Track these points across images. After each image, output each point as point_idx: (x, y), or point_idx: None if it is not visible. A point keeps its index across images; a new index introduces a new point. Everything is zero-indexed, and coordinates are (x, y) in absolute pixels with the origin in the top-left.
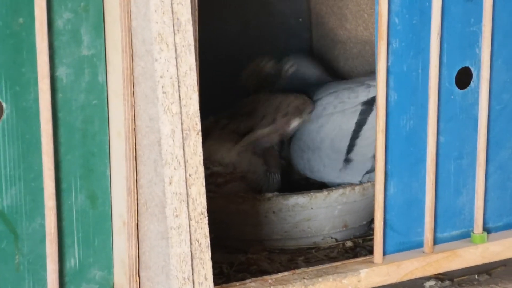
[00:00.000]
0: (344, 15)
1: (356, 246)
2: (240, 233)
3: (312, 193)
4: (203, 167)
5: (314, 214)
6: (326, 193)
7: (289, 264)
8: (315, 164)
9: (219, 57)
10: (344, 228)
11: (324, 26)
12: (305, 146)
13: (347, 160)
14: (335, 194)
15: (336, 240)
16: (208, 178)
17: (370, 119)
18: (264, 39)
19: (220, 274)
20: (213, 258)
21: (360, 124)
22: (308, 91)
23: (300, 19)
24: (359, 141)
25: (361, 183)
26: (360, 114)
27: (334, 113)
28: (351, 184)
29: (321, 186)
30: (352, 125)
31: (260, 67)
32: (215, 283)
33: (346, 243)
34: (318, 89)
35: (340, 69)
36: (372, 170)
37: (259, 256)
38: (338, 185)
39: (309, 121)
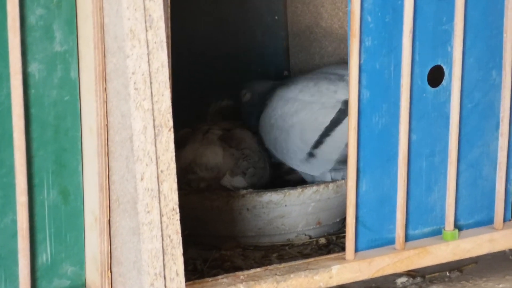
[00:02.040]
0: (319, 13)
1: (329, 243)
2: (214, 229)
3: (286, 190)
4: (175, 163)
5: (288, 211)
6: (300, 190)
7: (262, 260)
8: (280, 145)
9: (195, 53)
10: (318, 225)
11: (300, 24)
12: (275, 123)
13: (310, 154)
14: (309, 191)
15: (310, 237)
16: (193, 182)
17: (345, 120)
18: (240, 37)
19: (193, 270)
20: (187, 255)
21: (334, 123)
22: (270, 95)
23: (276, 17)
24: (328, 140)
25: (334, 180)
26: (338, 112)
27: (312, 103)
28: (324, 182)
29: (296, 183)
30: (326, 121)
31: (220, 105)
32: (189, 279)
33: (320, 240)
34: (288, 79)
35: (315, 66)
36: (332, 170)
37: (233, 253)
38: (311, 182)
39: (284, 100)
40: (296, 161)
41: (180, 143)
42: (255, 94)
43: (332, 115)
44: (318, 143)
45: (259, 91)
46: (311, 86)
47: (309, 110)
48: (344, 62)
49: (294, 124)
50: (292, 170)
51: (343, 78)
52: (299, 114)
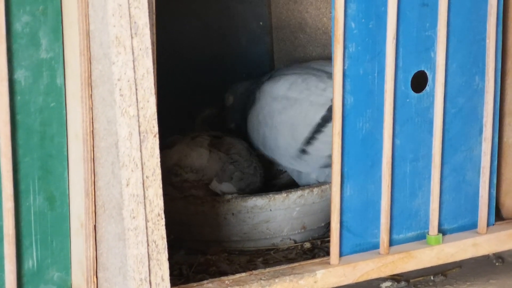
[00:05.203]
0: (304, 19)
1: (314, 247)
2: (200, 234)
3: (270, 195)
4: (160, 169)
5: (273, 216)
6: (285, 195)
7: (248, 265)
8: (269, 142)
9: (180, 59)
10: (303, 230)
11: (285, 30)
12: (263, 120)
13: (303, 151)
14: (294, 196)
15: (295, 242)
16: (178, 184)
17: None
18: (225, 43)
19: (179, 275)
20: (172, 260)
21: (325, 120)
22: (254, 87)
23: (261, 23)
24: (320, 137)
25: (319, 184)
26: (328, 110)
27: (301, 100)
28: (309, 186)
29: (281, 188)
30: (317, 118)
31: (204, 115)
32: (174, 284)
33: (305, 245)
34: (274, 71)
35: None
36: (326, 166)
37: (219, 257)
38: (297, 187)
39: (272, 97)
40: (287, 158)
41: (169, 144)
42: (237, 96)
43: (322, 112)
44: (311, 139)
45: (241, 92)
46: (299, 83)
47: (298, 107)
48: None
49: (283, 121)
50: (277, 175)
51: (331, 76)
52: (288, 111)
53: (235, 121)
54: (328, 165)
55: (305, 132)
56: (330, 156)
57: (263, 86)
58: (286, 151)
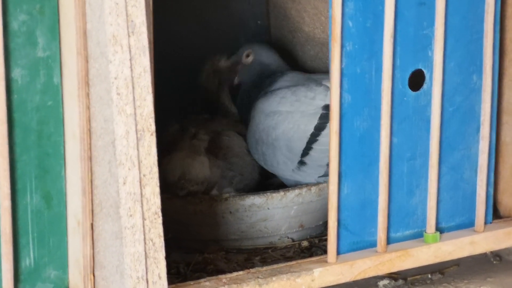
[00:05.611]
0: (302, 18)
1: (312, 246)
2: (198, 233)
3: (268, 193)
4: (157, 167)
5: (271, 214)
6: (283, 193)
7: (245, 263)
8: (269, 159)
9: (178, 57)
10: (301, 228)
11: (283, 29)
12: (260, 138)
13: (301, 163)
14: (291, 194)
15: (293, 240)
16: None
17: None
18: (223, 42)
19: (177, 273)
20: (170, 258)
21: (318, 129)
22: (265, 82)
23: (259, 22)
24: (315, 146)
25: (317, 183)
26: (320, 118)
27: (292, 112)
28: (307, 185)
29: (278, 186)
30: (310, 128)
31: (217, 65)
32: (172, 282)
33: (302, 243)
34: (275, 79)
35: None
36: (325, 175)
37: (216, 256)
38: (294, 185)
39: (265, 114)
40: (288, 172)
41: (169, 145)
42: (258, 61)
43: (314, 121)
44: (307, 150)
45: (263, 61)
46: (289, 96)
47: (290, 120)
48: (322, 72)
49: (278, 137)
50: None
51: (320, 83)
52: (280, 126)
53: (243, 80)
54: (327, 174)
55: (301, 144)
56: (328, 165)
57: (257, 103)
58: (286, 166)
